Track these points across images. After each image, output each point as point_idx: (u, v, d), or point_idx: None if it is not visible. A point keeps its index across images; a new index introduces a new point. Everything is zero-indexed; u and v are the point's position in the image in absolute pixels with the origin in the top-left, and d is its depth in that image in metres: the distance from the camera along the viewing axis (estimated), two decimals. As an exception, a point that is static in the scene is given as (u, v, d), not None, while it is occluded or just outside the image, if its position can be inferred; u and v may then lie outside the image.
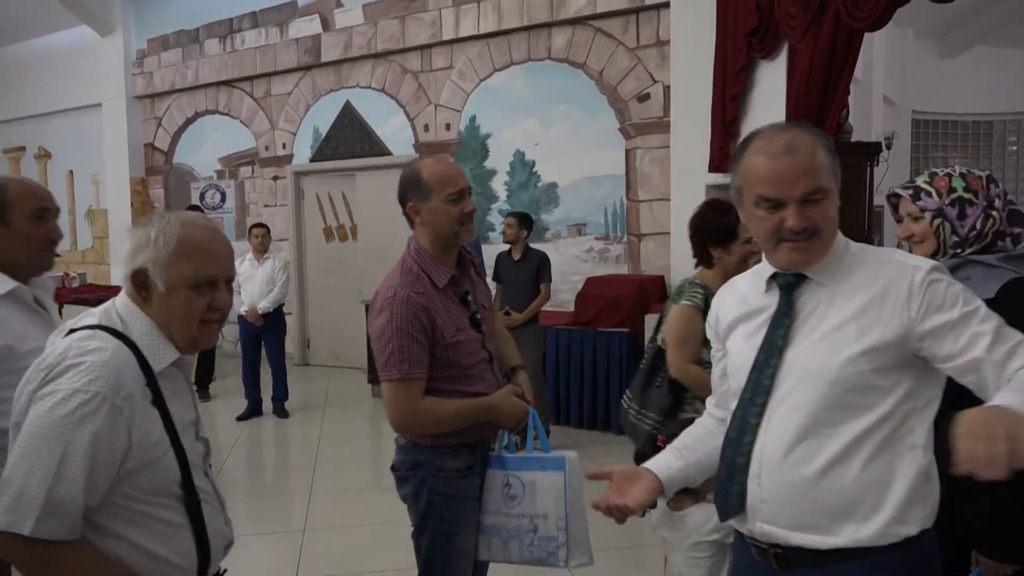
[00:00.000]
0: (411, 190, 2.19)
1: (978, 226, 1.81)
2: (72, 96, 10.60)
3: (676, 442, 1.67)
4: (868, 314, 1.40)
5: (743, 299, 1.59)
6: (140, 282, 1.46)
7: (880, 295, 1.40)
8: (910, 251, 1.85)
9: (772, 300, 1.51)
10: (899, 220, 1.98)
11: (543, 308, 5.56)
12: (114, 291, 6.92)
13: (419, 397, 2.12)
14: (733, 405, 1.54)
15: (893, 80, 8.22)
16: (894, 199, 1.98)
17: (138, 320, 1.47)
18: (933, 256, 1.84)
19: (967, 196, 1.82)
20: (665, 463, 1.62)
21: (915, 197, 1.88)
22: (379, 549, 3.90)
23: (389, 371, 2.11)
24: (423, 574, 2.24)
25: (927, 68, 8.83)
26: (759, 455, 1.46)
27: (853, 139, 5.24)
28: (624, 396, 2.91)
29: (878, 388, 1.39)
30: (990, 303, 1.57)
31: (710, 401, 1.73)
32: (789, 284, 1.48)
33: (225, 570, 1.65)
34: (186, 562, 1.50)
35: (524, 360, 5.87)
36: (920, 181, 1.90)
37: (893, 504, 1.39)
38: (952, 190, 1.84)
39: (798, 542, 1.43)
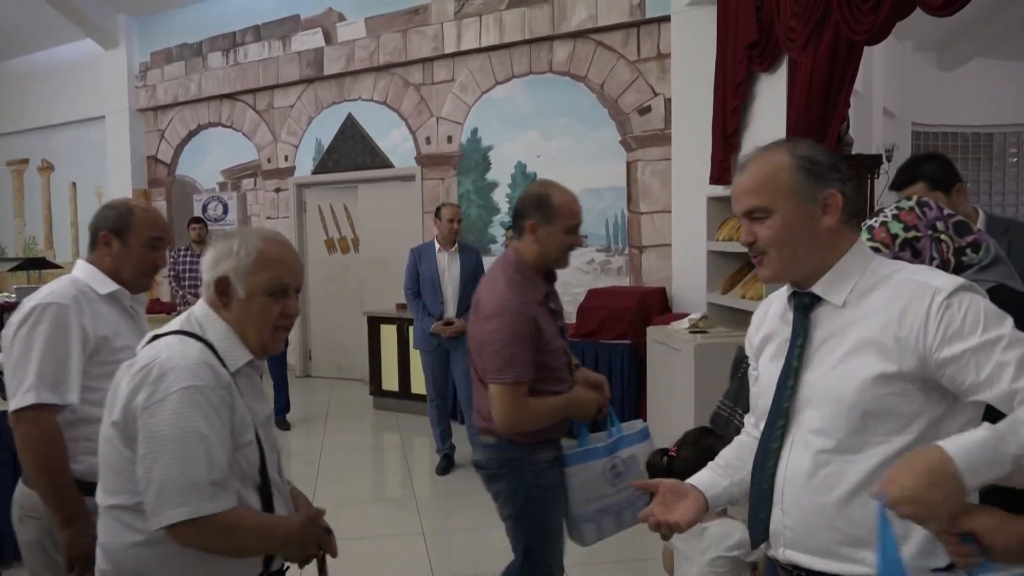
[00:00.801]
0: (536, 209, 2.37)
1: (936, 255, 1.80)
2: (75, 108, 10.64)
3: (719, 459, 1.67)
4: (885, 338, 1.35)
5: (775, 316, 1.58)
6: (222, 289, 1.61)
7: (898, 318, 1.34)
8: None
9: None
10: None
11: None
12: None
13: (526, 399, 2.32)
14: (762, 426, 1.52)
15: (893, 92, 8.25)
16: None
17: (215, 325, 1.62)
18: None
19: (910, 235, 1.80)
20: (711, 481, 1.62)
21: None
22: (381, 560, 3.89)
23: (504, 375, 2.29)
24: (526, 558, 2.45)
25: (927, 80, 8.85)
26: (781, 481, 1.45)
27: (854, 151, 5.25)
28: (722, 405, 3.06)
29: (901, 414, 1.35)
30: None
31: (749, 420, 1.71)
32: (804, 305, 1.47)
33: (288, 567, 1.76)
34: None
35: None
36: (863, 239, 1.89)
37: (919, 537, 1.33)
38: (894, 236, 1.82)
39: (820, 568, 1.40)
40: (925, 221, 1.82)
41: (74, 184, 11.11)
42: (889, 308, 1.36)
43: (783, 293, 1.60)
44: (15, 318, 2.02)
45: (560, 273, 2.53)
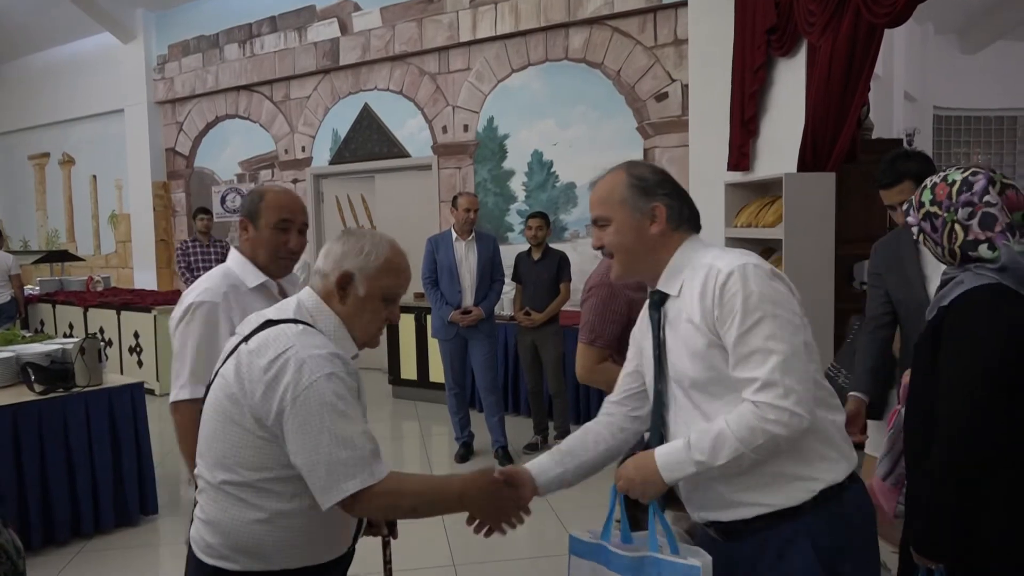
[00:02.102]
0: None
1: (944, 242, 1.74)
2: (95, 102, 10.75)
3: (562, 444, 1.84)
4: (696, 316, 1.56)
5: (644, 314, 1.79)
6: (344, 283, 1.69)
7: (699, 298, 1.56)
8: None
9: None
10: None
11: (563, 308, 5.57)
12: (137, 294, 7.09)
13: (596, 360, 2.65)
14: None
15: (914, 76, 8.15)
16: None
17: (327, 316, 1.70)
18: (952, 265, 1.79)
19: (932, 209, 1.75)
20: (545, 467, 1.80)
21: (907, 213, 1.85)
22: (401, 547, 3.90)
23: (581, 336, 2.68)
24: None
25: (949, 63, 8.74)
26: None
27: (874, 136, 5.19)
28: (831, 367, 3.36)
29: (729, 378, 1.54)
30: (943, 310, 1.69)
31: (610, 399, 1.89)
32: (655, 302, 1.69)
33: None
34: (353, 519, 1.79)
35: (545, 359, 5.88)
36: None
37: (777, 468, 1.53)
38: (922, 204, 1.78)
39: (727, 518, 1.60)
40: (950, 202, 1.71)
41: (94, 177, 11.22)
42: (695, 290, 1.58)
43: None
44: (176, 313, 2.19)
45: (576, 260, 2.60)
